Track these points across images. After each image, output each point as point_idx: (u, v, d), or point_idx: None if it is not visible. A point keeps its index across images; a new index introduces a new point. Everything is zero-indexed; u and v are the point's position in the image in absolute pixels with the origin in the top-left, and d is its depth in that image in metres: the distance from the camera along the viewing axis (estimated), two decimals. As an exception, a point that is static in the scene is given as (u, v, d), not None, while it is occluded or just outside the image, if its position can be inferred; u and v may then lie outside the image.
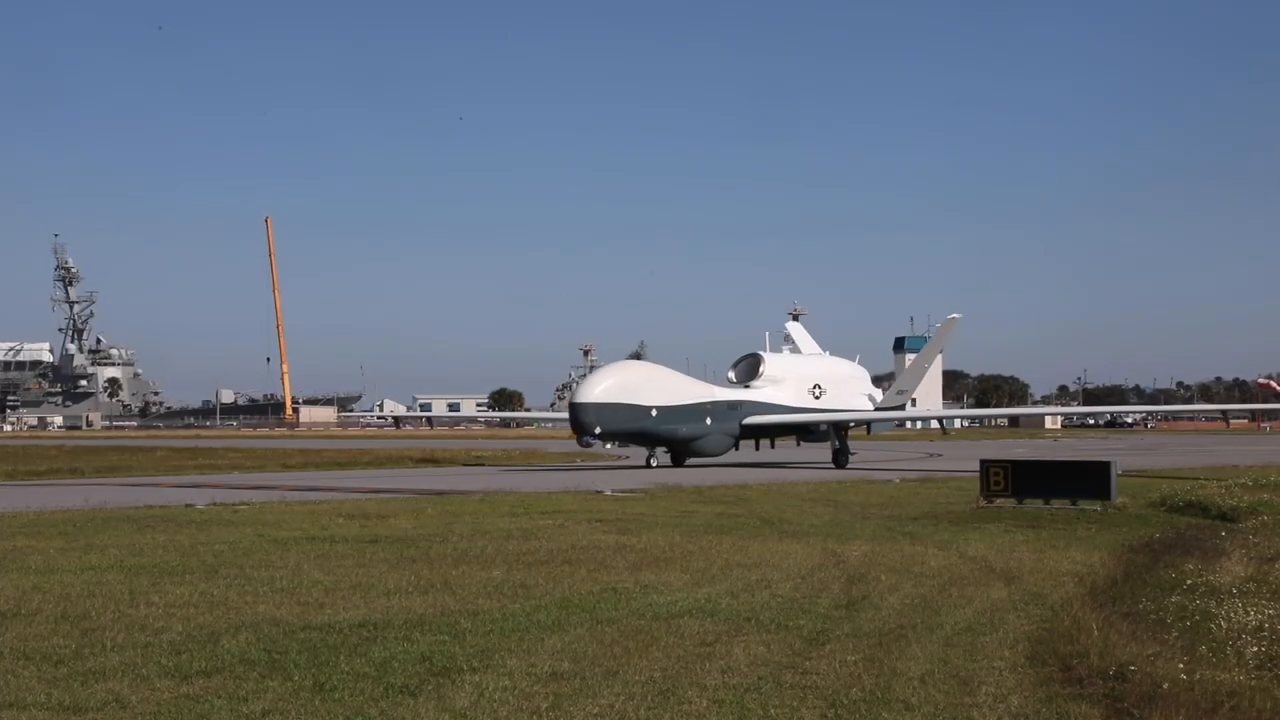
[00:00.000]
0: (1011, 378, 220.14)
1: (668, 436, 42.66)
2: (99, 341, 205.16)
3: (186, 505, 24.30)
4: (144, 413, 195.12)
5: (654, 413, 41.59)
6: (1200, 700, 8.14)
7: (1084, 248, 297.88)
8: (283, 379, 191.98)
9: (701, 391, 44.23)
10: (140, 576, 14.33)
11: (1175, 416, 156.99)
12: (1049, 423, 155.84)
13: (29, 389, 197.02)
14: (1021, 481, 24.15)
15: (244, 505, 24.34)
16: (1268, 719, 8.02)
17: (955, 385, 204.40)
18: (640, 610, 11.90)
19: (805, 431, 48.10)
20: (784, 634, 10.76)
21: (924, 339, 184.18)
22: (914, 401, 59.89)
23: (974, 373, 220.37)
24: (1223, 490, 25.63)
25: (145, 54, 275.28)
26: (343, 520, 21.21)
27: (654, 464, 41.82)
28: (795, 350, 53.20)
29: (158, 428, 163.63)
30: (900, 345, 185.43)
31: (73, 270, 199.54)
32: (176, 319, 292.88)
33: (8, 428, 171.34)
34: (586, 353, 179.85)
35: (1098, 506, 22.90)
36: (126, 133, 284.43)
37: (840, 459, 44.74)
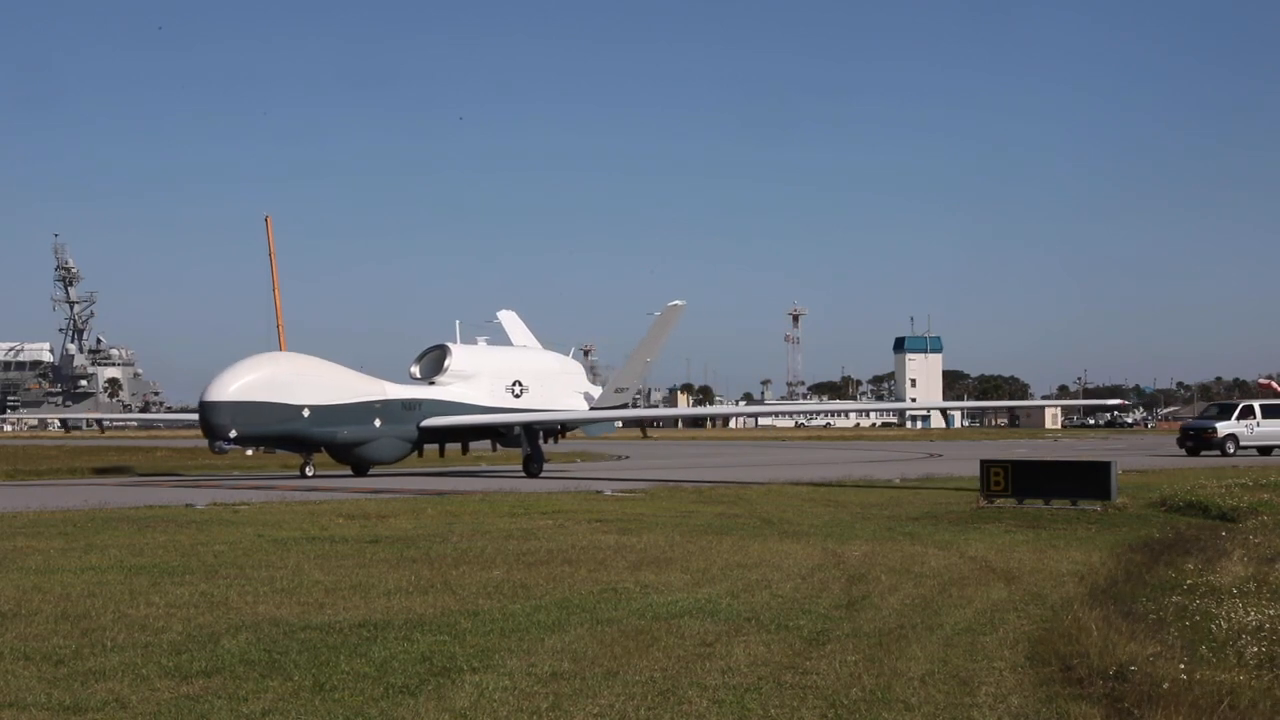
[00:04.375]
0: (1011, 378, 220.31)
1: (325, 440, 37.08)
2: (99, 341, 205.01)
3: (186, 505, 24.31)
4: (144, 413, 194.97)
5: (306, 413, 35.96)
6: (1200, 700, 8.14)
7: (1084, 247, 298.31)
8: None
9: (370, 389, 38.42)
10: (140, 576, 14.33)
11: (1173, 417, 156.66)
12: (1049, 422, 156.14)
13: (29, 389, 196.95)
14: (1022, 481, 24.16)
15: (244, 505, 24.35)
16: (1267, 719, 8.02)
17: (955, 385, 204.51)
18: (640, 610, 11.91)
19: (499, 435, 40.80)
20: (784, 634, 10.76)
21: (924, 339, 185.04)
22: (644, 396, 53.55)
23: (974, 373, 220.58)
24: (1223, 490, 25.65)
25: (145, 54, 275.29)
26: (343, 520, 21.22)
27: (309, 473, 36.77)
28: (497, 342, 45.62)
29: (158, 428, 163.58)
30: (900, 345, 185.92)
31: (73, 270, 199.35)
32: (176, 319, 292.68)
33: (8, 428, 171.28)
34: (587, 352, 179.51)
35: (1098, 506, 22.91)
36: (126, 133, 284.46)
37: (530, 466, 38.90)
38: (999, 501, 24.03)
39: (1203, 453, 51.39)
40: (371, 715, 8.17)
